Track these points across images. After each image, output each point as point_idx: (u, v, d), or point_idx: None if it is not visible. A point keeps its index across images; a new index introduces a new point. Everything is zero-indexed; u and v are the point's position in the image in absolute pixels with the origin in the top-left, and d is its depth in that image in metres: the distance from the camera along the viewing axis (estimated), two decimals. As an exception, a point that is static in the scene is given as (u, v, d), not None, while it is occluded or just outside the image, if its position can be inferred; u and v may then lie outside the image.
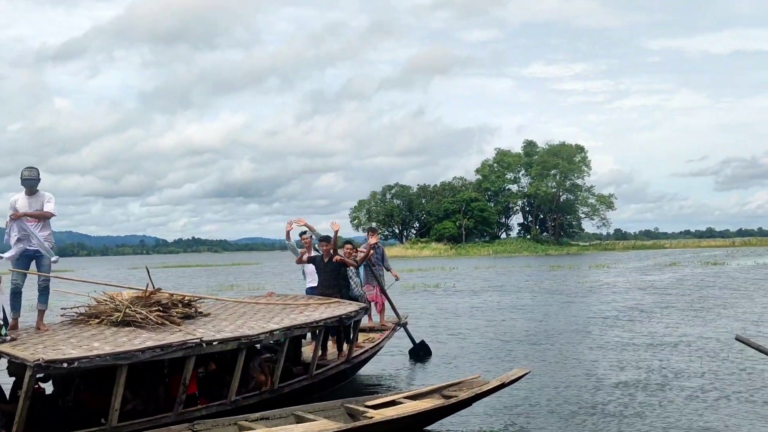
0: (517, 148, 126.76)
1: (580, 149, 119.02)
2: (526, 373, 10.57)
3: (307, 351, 12.82)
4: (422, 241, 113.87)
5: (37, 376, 8.04)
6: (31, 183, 9.53)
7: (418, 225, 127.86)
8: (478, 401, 10.02)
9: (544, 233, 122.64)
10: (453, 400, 9.43)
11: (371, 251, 14.39)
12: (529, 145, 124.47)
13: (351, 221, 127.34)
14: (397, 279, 16.81)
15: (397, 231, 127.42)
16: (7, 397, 8.79)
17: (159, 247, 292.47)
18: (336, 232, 13.46)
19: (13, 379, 8.85)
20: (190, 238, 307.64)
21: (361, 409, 9.24)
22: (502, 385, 10.05)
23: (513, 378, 10.14)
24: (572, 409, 10.57)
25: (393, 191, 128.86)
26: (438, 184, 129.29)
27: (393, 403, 9.51)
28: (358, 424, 8.52)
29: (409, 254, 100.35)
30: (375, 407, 9.30)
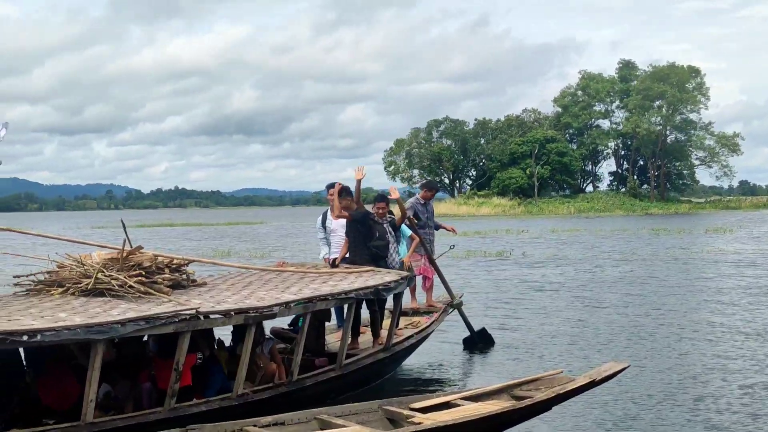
0: (610, 71, 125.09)
1: (696, 73, 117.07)
2: (624, 368, 10.51)
3: (332, 340, 12.99)
4: (480, 195, 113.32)
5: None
6: None
7: (475, 173, 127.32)
8: (560, 404, 10.05)
9: (645, 186, 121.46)
10: (527, 402, 9.42)
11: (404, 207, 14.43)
12: (626, 67, 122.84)
13: (385, 168, 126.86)
14: (452, 247, 16.85)
15: (447, 181, 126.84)
16: None
17: (132, 200, 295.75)
18: (359, 181, 13.40)
19: None
20: (173, 188, 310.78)
21: (405, 412, 9.23)
22: (592, 384, 10.00)
23: (607, 374, 10.09)
24: (683, 416, 10.64)
25: (442, 128, 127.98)
26: (502, 119, 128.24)
27: (447, 405, 9.52)
28: (401, 431, 8.58)
29: (463, 212, 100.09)
30: (423, 410, 9.34)
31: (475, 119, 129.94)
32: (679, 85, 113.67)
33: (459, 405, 9.54)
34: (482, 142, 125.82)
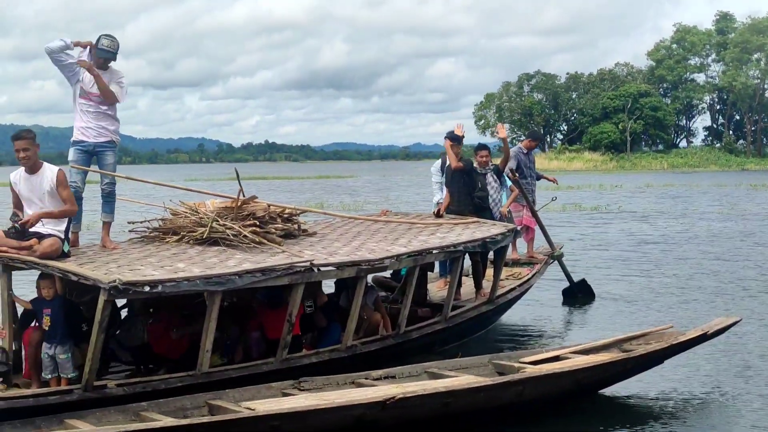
0: (707, 23, 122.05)
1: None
2: (736, 322, 10.39)
3: (433, 289, 13.00)
4: (572, 150, 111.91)
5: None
6: (108, 56, 9.79)
7: (566, 128, 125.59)
8: (671, 357, 9.94)
9: (741, 141, 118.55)
10: (639, 352, 9.36)
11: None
12: (724, 19, 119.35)
13: (476, 122, 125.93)
14: (554, 199, 16.74)
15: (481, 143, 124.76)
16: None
17: (223, 153, 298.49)
18: (462, 137, 13.47)
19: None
20: (263, 142, 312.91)
21: (516, 365, 9.24)
22: (704, 337, 9.90)
23: (718, 328, 9.98)
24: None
25: (533, 82, 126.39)
26: (595, 73, 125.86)
27: (557, 359, 9.50)
28: (512, 378, 8.55)
29: (554, 167, 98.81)
30: (533, 364, 9.31)
31: (567, 73, 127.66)
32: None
33: (569, 359, 9.50)
34: (574, 96, 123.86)
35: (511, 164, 14.88)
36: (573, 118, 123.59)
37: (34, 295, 8.82)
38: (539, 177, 16.17)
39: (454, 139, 13.13)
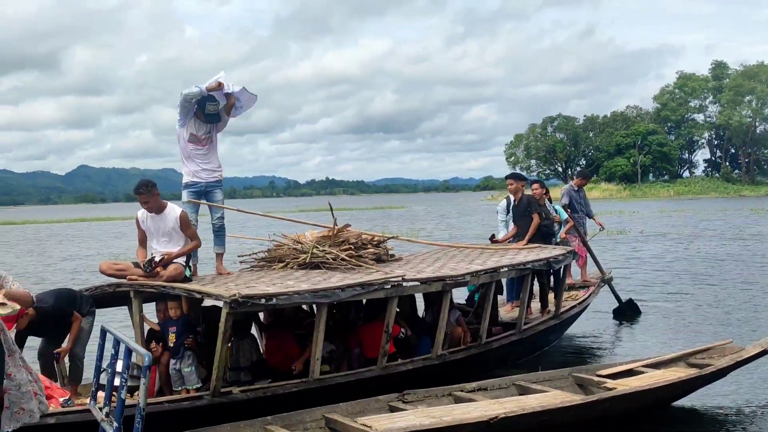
0: (703, 70, 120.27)
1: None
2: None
3: (502, 312, 12.44)
4: (590, 181, 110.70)
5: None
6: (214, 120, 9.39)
7: (584, 162, 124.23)
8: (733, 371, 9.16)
9: (736, 171, 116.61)
10: (710, 369, 8.59)
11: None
12: (719, 67, 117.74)
13: (507, 158, 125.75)
14: (602, 228, 16.15)
15: (560, 169, 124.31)
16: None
17: (290, 188, 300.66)
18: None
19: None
20: (324, 178, 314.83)
21: (595, 379, 8.60)
22: (764, 352, 9.11)
23: (779, 344, 9.18)
24: None
25: (555, 124, 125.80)
26: (608, 115, 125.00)
27: (631, 372, 8.79)
28: (601, 396, 7.87)
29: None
30: (610, 377, 8.62)
31: (584, 115, 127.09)
32: (767, 81, 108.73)
33: (642, 372, 8.80)
34: (591, 135, 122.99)
35: (564, 200, 14.62)
36: (590, 153, 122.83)
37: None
38: (590, 216, 15.50)
39: (521, 178, 12.93)
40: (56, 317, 7.93)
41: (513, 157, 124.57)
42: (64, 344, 8.09)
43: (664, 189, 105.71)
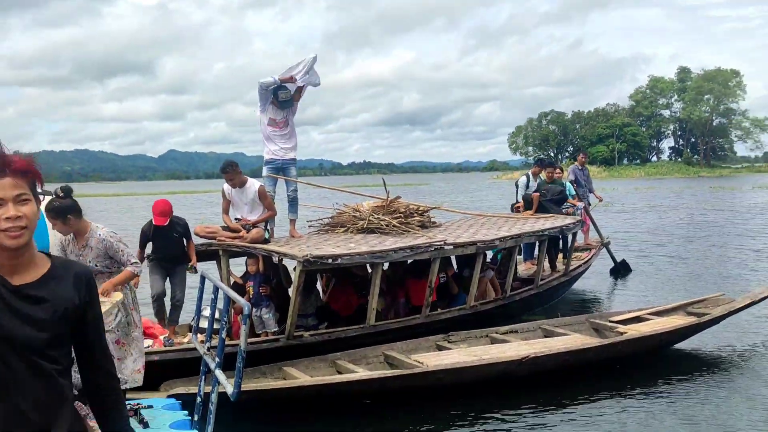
0: (670, 74, 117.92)
1: (736, 74, 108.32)
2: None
3: (520, 270, 11.93)
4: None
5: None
6: (288, 104, 8.81)
7: (572, 149, 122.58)
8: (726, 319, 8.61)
9: (695, 156, 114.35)
10: (707, 317, 8.07)
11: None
12: (683, 72, 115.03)
13: (509, 146, 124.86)
14: (600, 200, 15.56)
15: (552, 154, 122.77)
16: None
17: (335, 169, 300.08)
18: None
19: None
20: (362, 161, 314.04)
21: (608, 324, 8.12)
22: (752, 303, 8.57)
23: (763, 296, 8.63)
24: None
25: (548, 117, 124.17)
26: (592, 111, 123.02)
27: (638, 319, 8.30)
28: (615, 339, 7.40)
29: (564, 176, 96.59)
30: (621, 323, 8.15)
31: (572, 111, 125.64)
32: (723, 83, 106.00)
33: (648, 319, 8.31)
34: (577, 126, 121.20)
35: (571, 177, 14.21)
36: (576, 142, 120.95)
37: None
38: (591, 191, 14.93)
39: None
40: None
41: (514, 144, 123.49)
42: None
43: (636, 170, 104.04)
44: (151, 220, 7.51)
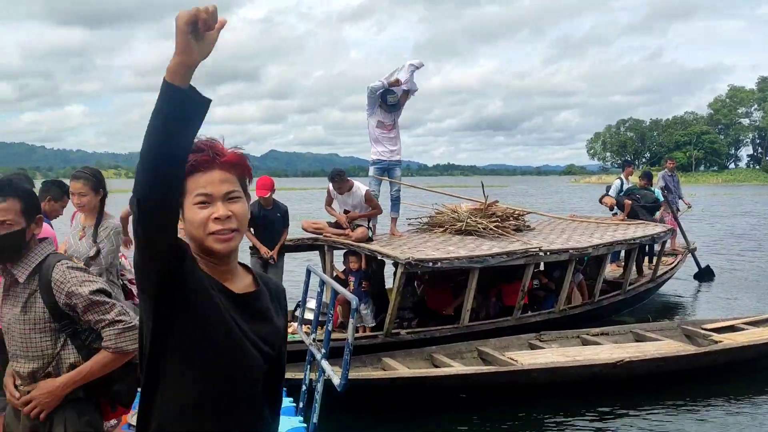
0: (750, 84, 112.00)
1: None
2: None
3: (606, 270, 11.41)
4: (653, 170, 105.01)
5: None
6: (395, 103, 8.59)
7: (649, 155, 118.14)
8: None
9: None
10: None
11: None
12: (764, 82, 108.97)
13: (588, 151, 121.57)
14: (689, 207, 14.72)
15: (629, 159, 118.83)
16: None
17: (421, 170, 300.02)
18: None
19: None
20: (447, 163, 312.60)
21: (701, 331, 7.58)
22: None
23: None
24: None
25: (627, 124, 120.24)
26: (670, 119, 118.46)
27: (732, 328, 7.74)
28: (711, 348, 6.91)
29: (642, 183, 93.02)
30: (715, 331, 7.61)
31: (650, 119, 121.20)
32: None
33: (743, 328, 7.72)
34: (655, 134, 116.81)
35: (661, 183, 13.38)
36: (654, 148, 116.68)
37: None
38: (680, 197, 14.14)
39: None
40: None
41: (592, 150, 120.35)
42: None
43: (713, 177, 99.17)
44: (257, 201, 7.34)
